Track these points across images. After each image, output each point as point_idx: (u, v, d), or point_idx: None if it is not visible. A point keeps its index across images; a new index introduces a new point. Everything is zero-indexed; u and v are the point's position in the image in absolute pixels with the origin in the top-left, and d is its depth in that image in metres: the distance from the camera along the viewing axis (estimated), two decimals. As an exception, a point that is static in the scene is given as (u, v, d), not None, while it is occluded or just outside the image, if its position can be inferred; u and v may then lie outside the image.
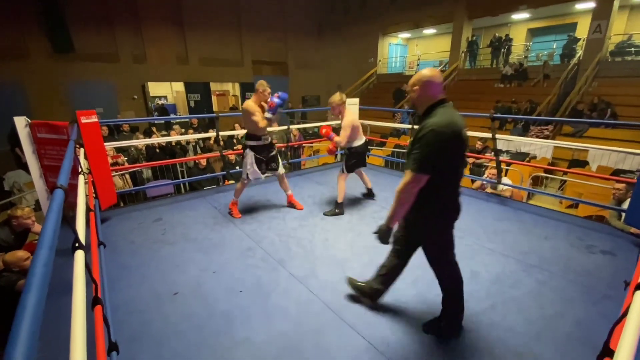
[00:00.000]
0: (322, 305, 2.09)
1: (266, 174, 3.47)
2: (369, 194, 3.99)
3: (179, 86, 13.04)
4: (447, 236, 1.72)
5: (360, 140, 3.53)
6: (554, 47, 11.73)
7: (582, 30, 10.34)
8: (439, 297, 1.94)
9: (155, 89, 12.49)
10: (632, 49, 9.29)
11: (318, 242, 2.93)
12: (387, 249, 2.78)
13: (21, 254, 2.66)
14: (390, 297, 2.14)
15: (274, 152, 3.44)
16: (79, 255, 1.15)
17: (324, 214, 3.51)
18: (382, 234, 1.71)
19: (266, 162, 3.40)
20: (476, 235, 3.01)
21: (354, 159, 3.53)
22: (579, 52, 9.63)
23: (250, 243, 2.91)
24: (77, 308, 0.95)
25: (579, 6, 10.11)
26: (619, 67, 8.84)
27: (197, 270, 2.50)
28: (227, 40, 13.80)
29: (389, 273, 1.98)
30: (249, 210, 3.64)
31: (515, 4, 10.45)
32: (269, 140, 3.40)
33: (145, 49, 12.12)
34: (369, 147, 4.14)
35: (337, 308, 2.07)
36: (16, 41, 9.90)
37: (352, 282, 2.16)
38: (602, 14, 8.72)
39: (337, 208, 3.54)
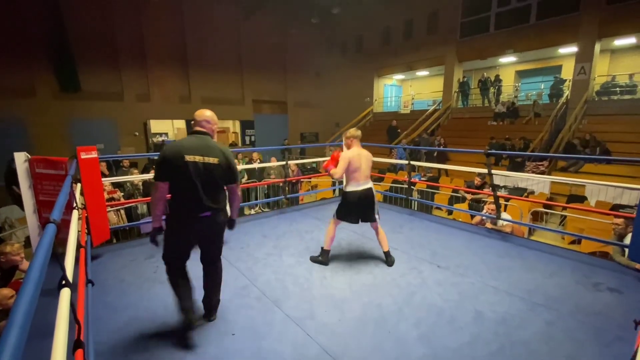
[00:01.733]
0: (319, 350, 1.97)
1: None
2: (386, 259, 3.12)
3: (180, 123, 13.35)
4: (175, 236, 2.07)
5: (355, 186, 3.00)
6: (542, 87, 12.29)
7: (567, 72, 10.90)
8: (444, 339, 1.84)
9: (157, 126, 12.78)
10: (617, 88, 9.75)
11: (316, 280, 2.83)
12: (384, 285, 2.70)
13: (6, 291, 2.55)
14: (391, 338, 2.03)
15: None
16: (65, 294, 1.10)
17: (310, 259, 3.21)
18: (151, 235, 2.05)
19: None
20: (479, 273, 2.92)
21: (345, 208, 3.06)
22: (566, 92, 10.08)
23: (245, 281, 2.81)
24: (57, 352, 0.89)
25: (562, 50, 10.74)
26: (606, 106, 9.21)
27: (188, 310, 2.38)
28: (228, 80, 14.39)
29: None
30: (245, 247, 3.57)
31: (502, 49, 11.11)
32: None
33: (149, 89, 12.57)
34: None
35: (335, 353, 1.94)
36: (24, 80, 10.23)
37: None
38: (584, 57, 9.25)
39: (320, 255, 3.13)
